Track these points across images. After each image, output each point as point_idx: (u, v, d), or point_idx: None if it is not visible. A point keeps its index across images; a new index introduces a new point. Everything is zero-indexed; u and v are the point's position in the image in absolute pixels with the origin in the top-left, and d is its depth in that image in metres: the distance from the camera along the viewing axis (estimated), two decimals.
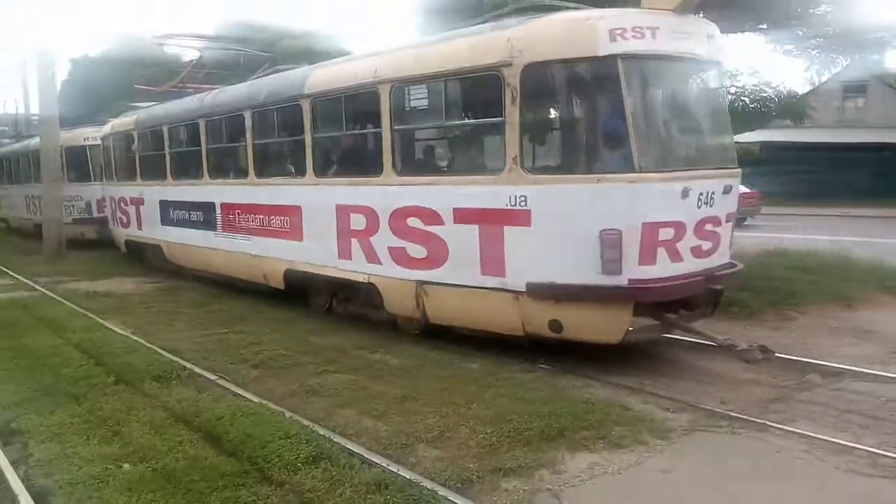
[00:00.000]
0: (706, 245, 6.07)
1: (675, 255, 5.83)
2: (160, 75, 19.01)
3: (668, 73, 6.14)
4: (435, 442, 4.70)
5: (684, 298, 6.16)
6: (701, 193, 5.85)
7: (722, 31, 6.59)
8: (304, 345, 7.28)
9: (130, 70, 22.36)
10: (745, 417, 5.08)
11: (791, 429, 4.89)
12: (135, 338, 7.59)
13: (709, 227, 6.05)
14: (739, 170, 6.54)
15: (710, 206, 5.97)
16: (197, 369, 6.37)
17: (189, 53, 16.14)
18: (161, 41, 15.52)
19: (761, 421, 5.01)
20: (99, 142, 14.79)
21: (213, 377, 6.15)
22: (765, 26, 10.64)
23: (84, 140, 16.64)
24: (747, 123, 11.11)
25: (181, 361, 6.59)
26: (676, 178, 5.76)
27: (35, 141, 19.45)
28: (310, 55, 17.15)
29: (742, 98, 11.38)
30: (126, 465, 4.32)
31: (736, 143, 6.89)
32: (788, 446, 4.64)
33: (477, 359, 6.65)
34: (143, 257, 13.22)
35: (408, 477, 4.12)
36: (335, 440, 4.66)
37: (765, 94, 11.59)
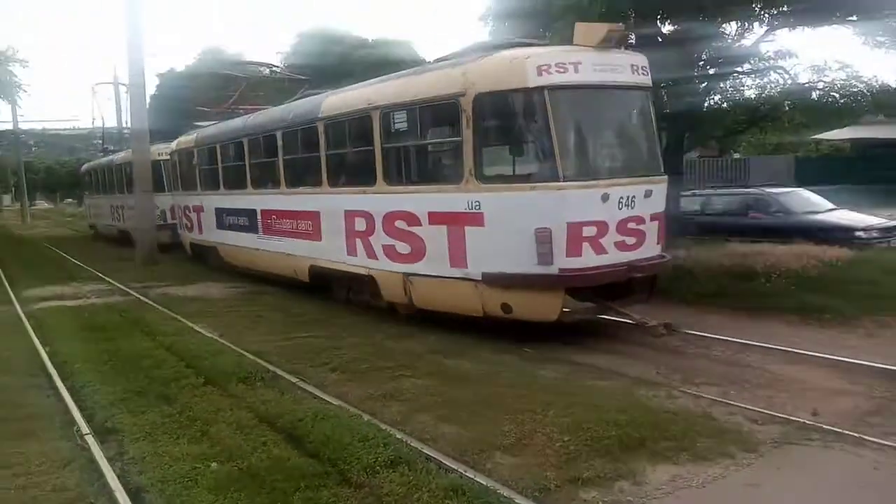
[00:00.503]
0: (630, 240, 7.19)
1: (599, 249, 6.99)
2: (265, 81, 19.67)
3: (591, 99, 7.31)
4: (511, 449, 4.65)
5: (623, 285, 7.39)
6: (621, 197, 7.03)
7: (809, 25, 6.52)
8: (380, 349, 7.37)
9: (212, 84, 23.33)
10: (840, 430, 4.82)
11: (890, 443, 4.60)
12: (222, 341, 7.87)
13: (631, 225, 7.18)
14: (664, 177, 7.63)
15: (632, 207, 7.12)
16: (279, 372, 6.54)
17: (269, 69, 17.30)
18: (232, 69, 17.36)
19: (857, 434, 4.74)
20: (168, 157, 16.39)
21: (294, 380, 6.30)
22: (855, 18, 10.11)
23: (158, 155, 17.88)
24: (837, 119, 10.60)
25: (265, 364, 6.78)
26: (596, 185, 6.96)
27: (120, 155, 22.58)
28: (385, 64, 17.49)
29: (831, 94, 10.85)
30: (214, 465, 4.47)
31: (825, 140, 6.72)
32: (887, 462, 4.37)
33: (550, 366, 6.57)
34: (204, 258, 14.73)
35: (484, 483, 4.10)
36: (412, 445, 4.68)
37: (855, 89, 11.02)
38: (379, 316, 9.04)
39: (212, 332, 8.42)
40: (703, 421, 5.08)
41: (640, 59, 7.57)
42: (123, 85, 30.83)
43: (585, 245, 6.90)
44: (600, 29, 7.13)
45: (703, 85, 9.95)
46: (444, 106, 7.58)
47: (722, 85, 10.35)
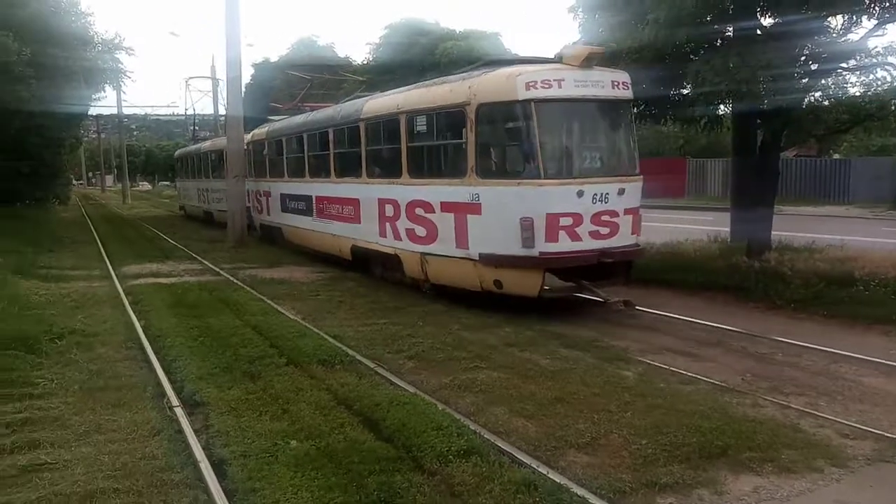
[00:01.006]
0: (603, 230, 8.40)
1: (574, 236, 8.25)
2: (331, 80, 20.30)
3: (571, 110, 8.63)
4: (586, 448, 4.58)
5: (602, 269, 8.63)
6: (595, 194, 8.28)
7: None
8: (455, 340, 7.40)
9: (302, 75, 23.95)
10: None
11: None
12: (304, 323, 8.10)
13: (605, 217, 8.40)
14: (638, 177, 8.88)
15: (606, 203, 8.37)
16: (358, 356, 6.66)
17: (356, 58, 18.03)
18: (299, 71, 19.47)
19: None
20: (247, 147, 17.64)
21: (371, 365, 6.41)
22: None
23: (245, 144, 18.73)
24: None
25: (344, 348, 6.93)
26: (572, 183, 8.26)
27: (206, 144, 25.47)
28: (471, 56, 17.46)
29: None
30: (293, 443, 4.60)
31: None
32: None
33: (631, 367, 6.42)
34: (272, 238, 16.52)
35: (557, 481, 4.05)
36: (486, 436, 4.68)
37: None
38: (454, 307, 9.12)
39: (295, 314, 8.68)
40: (789, 432, 4.85)
41: (621, 76, 8.80)
42: (211, 79, 32.43)
43: (562, 233, 8.23)
44: (583, 51, 8.44)
45: (804, 81, 9.46)
46: (454, 112, 9.00)
47: (824, 82, 9.79)
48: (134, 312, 8.85)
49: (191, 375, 6.05)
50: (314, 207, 13.39)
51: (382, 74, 18.35)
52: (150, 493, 4.00)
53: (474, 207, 8.73)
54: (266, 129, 16.58)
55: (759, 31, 9.72)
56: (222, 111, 31.49)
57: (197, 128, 33.58)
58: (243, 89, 17.79)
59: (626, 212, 8.65)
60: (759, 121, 10.81)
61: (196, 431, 4.86)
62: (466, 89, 8.80)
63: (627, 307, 8.66)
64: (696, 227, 17.07)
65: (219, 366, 6.31)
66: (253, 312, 8.66)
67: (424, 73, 16.95)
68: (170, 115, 41.32)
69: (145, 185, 78.81)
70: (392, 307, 9.23)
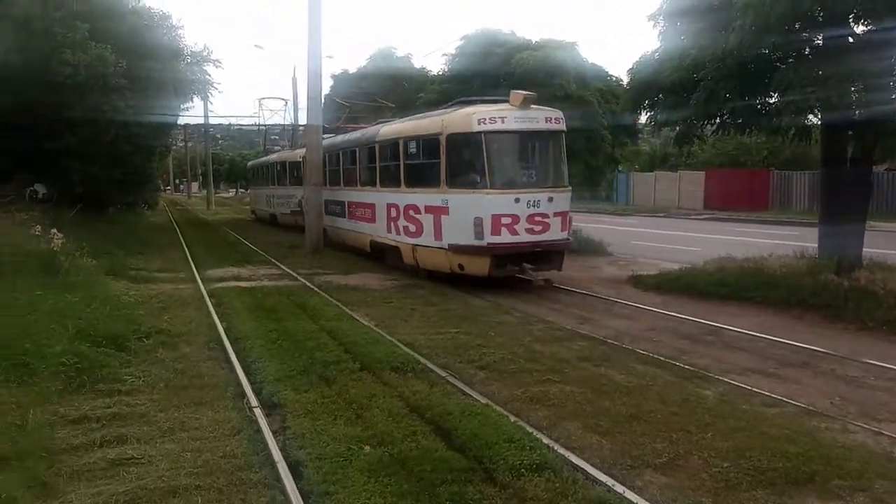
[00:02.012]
0: (536, 228, 11.26)
1: (513, 232, 11.15)
2: (408, 93, 20.69)
3: (512, 139, 11.59)
4: (664, 468, 4.42)
5: (538, 256, 11.50)
6: (529, 200, 11.17)
7: None
8: (528, 351, 7.32)
9: (379, 85, 24.34)
10: None
11: None
12: (377, 330, 8.18)
13: (538, 218, 11.24)
14: (565, 188, 11.84)
15: (537, 207, 11.21)
16: (430, 365, 6.68)
17: (433, 68, 18.62)
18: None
19: None
20: (301, 159, 20.28)
21: (443, 374, 6.41)
22: None
23: (300, 157, 21.91)
24: None
25: (416, 356, 6.96)
26: (510, 192, 11.19)
27: (274, 156, 29.34)
28: (546, 66, 17.34)
29: None
30: (367, 448, 4.63)
31: None
32: None
33: (712, 386, 6.18)
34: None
35: (634, 501, 3.93)
36: (559, 451, 4.58)
37: None
38: (526, 318, 9.07)
39: (369, 320, 8.79)
40: (883, 461, 4.56)
41: (554, 113, 11.81)
42: (292, 92, 33.55)
43: (503, 229, 11.14)
44: (520, 96, 11.41)
45: None
46: (432, 139, 12.05)
47: None
48: (217, 314, 9.16)
49: (269, 377, 6.20)
50: (347, 210, 16.51)
51: (459, 84, 18.40)
52: (230, 492, 4.10)
53: (445, 209, 11.82)
54: None
55: (850, 39, 9.28)
56: (301, 120, 32.60)
57: (272, 139, 36.09)
58: (322, 101, 18.18)
59: (556, 214, 11.50)
60: (850, 132, 10.29)
61: (274, 433, 4.96)
62: (440, 122, 12.00)
63: (548, 285, 11.53)
64: (781, 241, 16.42)
65: (296, 369, 6.44)
66: (328, 317, 8.82)
67: (500, 83, 16.93)
68: (252, 125, 43.05)
69: (230, 192, 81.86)
70: (462, 316, 9.23)
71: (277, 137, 42.70)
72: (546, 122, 11.66)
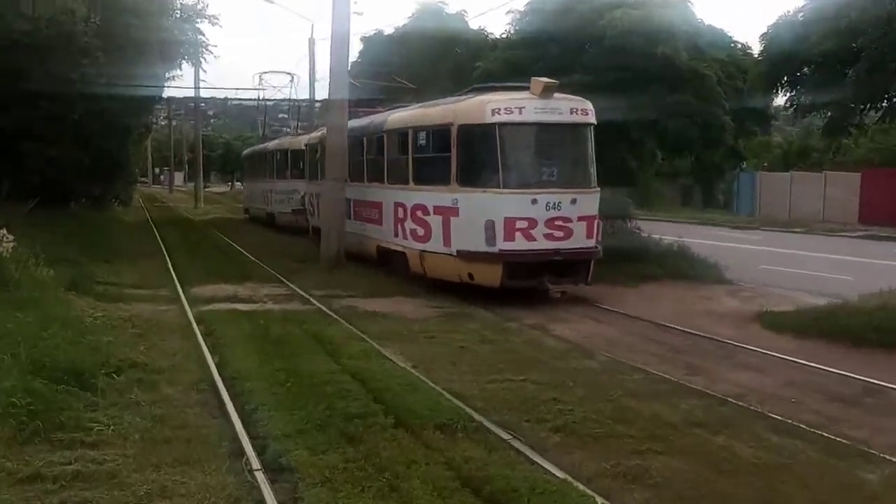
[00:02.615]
0: (557, 233, 12.57)
1: (530, 237, 12.49)
2: (462, 61, 20.79)
3: (530, 132, 13.17)
4: None
5: (559, 266, 12.87)
6: (548, 202, 12.49)
7: None
8: (618, 409, 7.21)
9: (425, 51, 24.53)
10: None
11: None
12: (415, 373, 8.21)
13: (559, 222, 12.59)
14: (591, 189, 13.24)
15: (558, 210, 12.54)
16: (486, 422, 6.63)
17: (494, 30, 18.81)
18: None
19: None
20: (305, 147, 22.62)
21: (506, 436, 6.36)
22: None
23: (304, 145, 24.21)
24: None
25: (468, 410, 6.93)
26: (527, 192, 12.56)
27: (273, 143, 30.84)
28: (646, 26, 17.21)
29: None
30: None
31: None
32: None
33: (875, 467, 5.96)
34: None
35: None
36: None
37: None
38: (615, 364, 9.02)
39: (404, 360, 8.81)
40: None
41: (581, 104, 13.23)
42: (309, 61, 34.08)
43: (518, 234, 12.50)
44: (540, 83, 12.74)
45: None
46: (443, 130, 13.48)
47: None
48: (207, 345, 9.30)
49: (276, 431, 6.24)
50: (351, 210, 17.57)
51: (529, 50, 18.51)
52: None
53: (454, 211, 13.17)
54: (321, 132, 21.21)
55: None
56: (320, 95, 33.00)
57: (279, 119, 37.16)
58: (349, 69, 18.44)
59: (580, 218, 12.84)
60: None
61: None
62: (452, 112, 13.55)
63: (563, 296, 13.18)
64: None
65: (310, 421, 6.48)
66: (352, 355, 8.87)
67: (584, 50, 16.93)
68: (254, 100, 43.46)
69: (223, 187, 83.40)
70: (530, 359, 9.19)
71: (286, 116, 43.42)
72: (571, 113, 13.07)
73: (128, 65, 18.44)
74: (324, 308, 12.05)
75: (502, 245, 12.38)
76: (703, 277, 16.03)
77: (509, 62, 18.33)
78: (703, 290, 14.93)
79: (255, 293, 13.45)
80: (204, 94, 46.66)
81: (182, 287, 13.78)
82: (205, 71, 41.10)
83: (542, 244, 12.52)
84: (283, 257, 18.66)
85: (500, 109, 12.52)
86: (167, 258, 18.18)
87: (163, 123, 69.86)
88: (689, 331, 11.21)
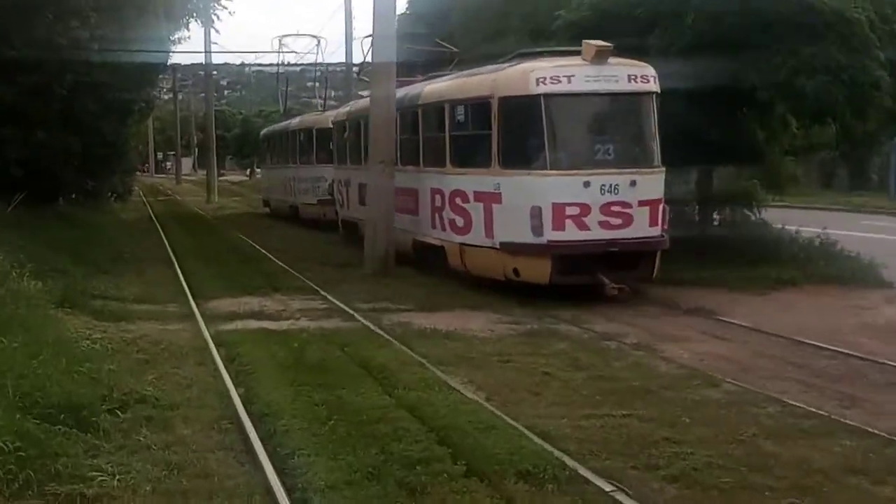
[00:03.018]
0: (614, 221, 13.52)
1: (582, 226, 13.41)
2: (542, 6, 20.71)
3: (580, 104, 14.25)
4: None
5: (617, 259, 13.71)
6: (603, 185, 13.42)
7: None
8: (751, 453, 7.10)
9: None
10: None
11: None
12: (490, 407, 8.18)
13: (616, 208, 13.53)
14: (654, 169, 14.25)
15: (615, 193, 13.48)
16: (582, 470, 6.57)
17: None
18: None
19: None
20: (332, 126, 24.97)
21: (607, 487, 6.29)
22: None
23: (331, 123, 25.99)
24: None
25: (557, 454, 6.87)
26: (578, 174, 13.55)
27: (296, 120, 32.18)
28: None
29: None
30: None
31: None
32: None
33: None
34: (353, 236, 21.80)
35: None
36: None
37: None
38: (744, 394, 8.93)
39: (475, 391, 8.81)
40: None
41: (640, 70, 14.12)
42: (317, 37, 34.33)
43: (568, 222, 13.37)
44: (592, 46, 13.65)
45: None
46: (482, 104, 14.62)
47: None
48: (229, 374, 9.41)
49: (318, 482, 6.24)
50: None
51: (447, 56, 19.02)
52: None
53: (497, 196, 14.19)
54: (351, 106, 23.37)
55: None
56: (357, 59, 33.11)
57: (307, 89, 37.88)
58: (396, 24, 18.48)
59: (641, 203, 13.76)
60: None
61: None
62: (491, 82, 14.62)
63: (621, 294, 13.62)
64: None
65: (360, 469, 6.47)
66: (408, 384, 8.87)
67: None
68: (278, 64, 43.22)
69: (241, 175, 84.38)
70: (635, 388, 9.11)
71: (317, 84, 43.63)
72: (630, 81, 14.05)
73: (125, 26, 18.70)
74: (371, 325, 12.14)
75: (550, 235, 13.35)
76: (855, 280, 15.79)
77: (599, 9, 18.08)
78: (854, 296, 14.69)
79: (286, 308, 13.62)
80: (216, 60, 47.37)
81: (196, 301, 14.00)
82: (217, 31, 41.74)
83: (597, 233, 13.49)
84: (318, 261, 18.92)
85: (545, 78, 13.43)
86: (176, 265, 18.50)
87: (166, 98, 71.12)
88: (840, 350, 11.02)
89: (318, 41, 36.43)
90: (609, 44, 13.75)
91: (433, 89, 16.81)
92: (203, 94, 64.05)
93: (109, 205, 29.53)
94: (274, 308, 13.63)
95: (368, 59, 20.62)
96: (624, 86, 13.86)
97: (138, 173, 55.80)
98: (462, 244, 15.13)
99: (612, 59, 13.73)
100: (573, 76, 13.48)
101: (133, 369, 9.48)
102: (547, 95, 13.37)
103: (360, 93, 26.02)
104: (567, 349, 10.93)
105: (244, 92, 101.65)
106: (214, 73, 60.29)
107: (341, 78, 38.87)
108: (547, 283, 13.48)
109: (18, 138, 18.40)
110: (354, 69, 34.13)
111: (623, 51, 14.75)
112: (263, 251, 21.25)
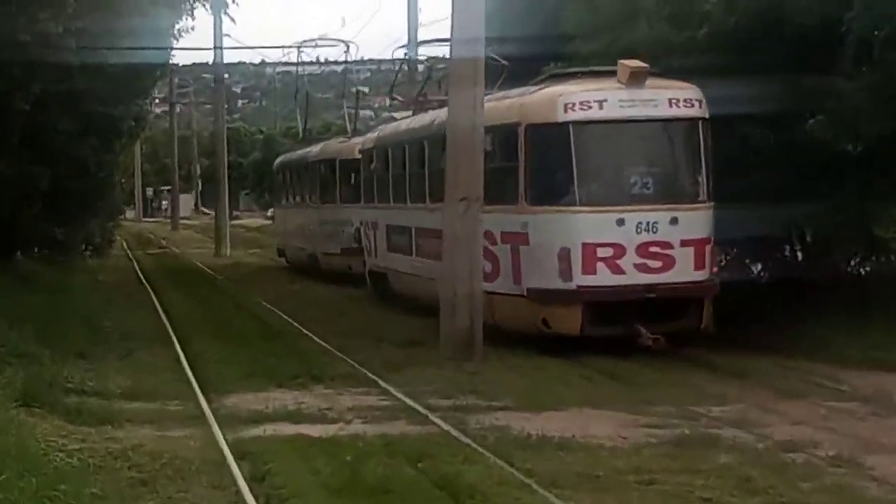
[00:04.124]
0: (653, 263, 16.26)
1: (616, 269, 16.24)
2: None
3: (614, 132, 17.10)
4: None
5: (658, 307, 16.45)
6: (640, 223, 16.29)
7: None
8: None
9: None
10: None
11: None
12: None
13: (654, 249, 16.29)
14: (699, 205, 16.91)
15: (654, 232, 16.28)
16: None
17: None
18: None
19: None
20: (360, 155, 28.47)
21: None
22: None
23: (357, 152, 28.57)
24: None
25: None
26: (611, 210, 16.47)
27: (317, 148, 35.23)
28: None
29: None
30: None
31: None
32: None
33: None
34: (382, 290, 26.38)
35: None
36: None
37: None
38: None
39: None
40: None
41: (683, 93, 16.56)
42: (346, 42, 35.15)
43: (600, 264, 15.70)
44: (626, 69, 15.90)
45: None
46: (508, 132, 17.29)
47: None
48: (256, 501, 9.27)
49: None
50: (413, 243, 22.87)
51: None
52: None
53: (524, 237, 16.67)
54: (376, 133, 27.85)
55: None
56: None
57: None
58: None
59: (684, 243, 16.21)
60: None
61: None
62: (519, 107, 17.24)
63: (656, 344, 15.82)
64: None
65: None
66: None
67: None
68: (298, 64, 41.95)
69: (260, 216, 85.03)
70: None
71: (367, 92, 43.93)
72: (671, 105, 16.67)
73: (112, 16, 18.70)
74: (453, 431, 12.01)
75: (580, 280, 15.93)
76: None
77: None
78: None
79: (332, 405, 13.59)
80: (228, 58, 47.76)
81: (206, 396, 14.00)
82: (232, 20, 42.27)
83: (633, 277, 16.21)
84: (370, 336, 18.96)
85: (574, 104, 15.98)
86: (177, 345, 18.64)
87: (158, 112, 71.71)
88: None
89: (347, 47, 38.14)
90: (645, 65, 16.31)
91: (435, 116, 20.07)
92: (210, 106, 64.65)
93: (84, 261, 29.82)
94: (315, 406, 13.59)
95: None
96: (664, 111, 16.52)
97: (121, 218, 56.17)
98: (491, 292, 17.32)
99: (650, 82, 16.28)
100: (605, 101, 16.10)
101: (124, 494, 9.44)
102: (576, 123, 15.94)
103: (392, 115, 29.95)
104: (733, 464, 10.68)
105: (264, 102, 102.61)
106: (226, 75, 60.79)
107: (404, 82, 39.06)
108: (578, 335, 15.73)
109: None
110: (422, 64, 33.85)
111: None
112: (295, 323, 21.32)
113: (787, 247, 21.05)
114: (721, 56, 18.04)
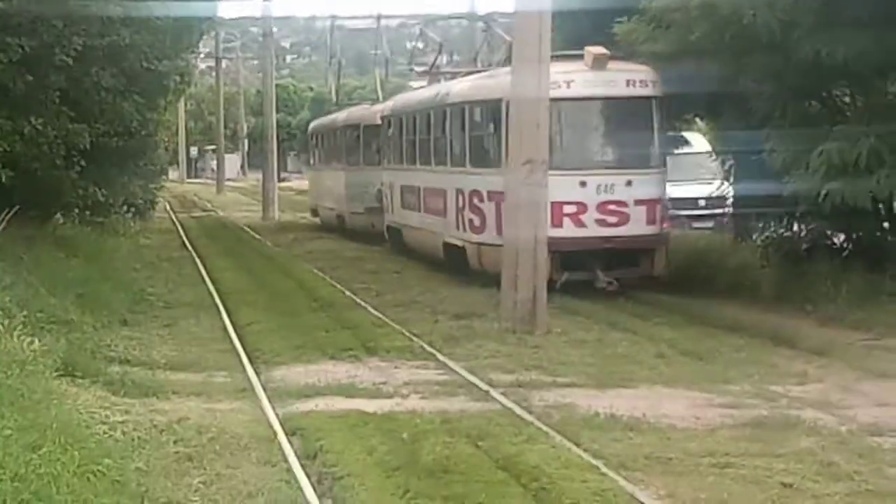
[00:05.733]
0: (611, 219, 21.80)
1: (579, 223, 21.75)
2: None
3: (579, 108, 22.88)
4: None
5: (615, 256, 22.21)
6: (599, 184, 21.91)
7: None
8: None
9: None
10: None
11: None
12: None
13: (612, 207, 21.84)
14: (649, 170, 22.74)
15: (611, 193, 21.88)
16: None
17: None
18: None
19: None
20: (382, 121, 34.15)
21: None
22: None
23: (379, 118, 34.39)
24: None
25: None
26: (575, 173, 21.91)
27: (343, 114, 40.22)
28: None
29: None
30: None
31: None
32: None
33: None
34: (399, 244, 31.42)
35: None
36: None
37: None
38: None
39: None
40: None
41: (640, 74, 21.54)
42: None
43: (566, 219, 20.74)
44: (591, 53, 21.11)
45: None
46: (493, 106, 22.44)
47: None
48: (309, 479, 9.32)
49: None
50: (421, 201, 27.79)
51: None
52: None
53: (500, 195, 19.66)
54: (392, 102, 33.38)
55: None
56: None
57: (335, 98, 42.84)
58: None
59: (638, 202, 20.80)
60: None
61: None
62: (501, 85, 20.22)
63: (610, 287, 20.44)
64: None
65: None
66: (577, 498, 8.72)
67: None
68: (370, 17, 42.53)
69: (300, 180, 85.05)
70: None
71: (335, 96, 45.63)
72: (628, 85, 21.32)
73: None
74: (516, 408, 12.02)
75: (550, 232, 18.36)
76: None
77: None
78: None
79: (388, 379, 13.65)
80: (276, 11, 47.96)
81: (255, 368, 14.07)
82: None
83: (594, 230, 20.88)
84: (427, 307, 19.03)
85: None
86: (224, 313, 18.74)
87: (202, 67, 71.95)
88: None
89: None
90: (607, 51, 20.84)
91: (458, 90, 24.81)
92: (257, 61, 64.85)
93: (125, 224, 29.87)
94: (370, 380, 13.65)
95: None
96: (621, 90, 21.27)
97: (164, 178, 56.29)
98: (479, 243, 22.54)
99: (611, 65, 20.79)
100: (572, 81, 20.61)
101: (170, 470, 9.51)
102: (549, 100, 18.12)
103: (411, 84, 36.06)
104: (815, 448, 10.59)
105: (315, 57, 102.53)
106: (275, 29, 61.08)
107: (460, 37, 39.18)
108: (548, 281, 18.17)
109: (2, 128, 18.50)
110: (481, 24, 34.83)
111: None
112: (351, 294, 21.36)
113: (873, 218, 19.90)
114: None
